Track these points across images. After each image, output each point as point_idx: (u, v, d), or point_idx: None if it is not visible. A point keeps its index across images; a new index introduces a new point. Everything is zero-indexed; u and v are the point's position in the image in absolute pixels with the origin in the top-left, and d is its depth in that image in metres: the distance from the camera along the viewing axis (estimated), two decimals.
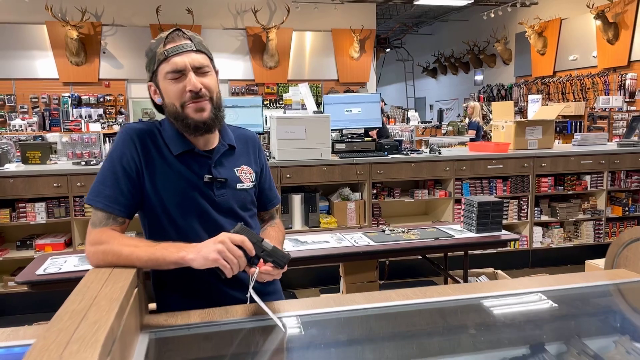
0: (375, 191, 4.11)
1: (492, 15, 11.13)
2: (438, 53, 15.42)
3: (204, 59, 1.32)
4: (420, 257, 2.74)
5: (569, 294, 1.41)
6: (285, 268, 1.24)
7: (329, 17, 10.59)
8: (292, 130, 3.73)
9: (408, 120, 9.21)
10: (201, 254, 1.14)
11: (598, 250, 4.53)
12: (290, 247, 2.44)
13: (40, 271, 2.12)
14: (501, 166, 4.23)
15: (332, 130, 4.07)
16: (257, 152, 1.52)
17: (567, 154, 4.37)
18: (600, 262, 2.96)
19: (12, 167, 3.75)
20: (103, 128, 7.02)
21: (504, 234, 2.63)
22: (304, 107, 4.27)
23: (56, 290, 3.56)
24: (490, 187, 4.27)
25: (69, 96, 9.16)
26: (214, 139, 1.41)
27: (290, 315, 1.22)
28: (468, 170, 4.19)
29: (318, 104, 4.35)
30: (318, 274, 3.97)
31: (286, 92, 4.45)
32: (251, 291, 1.19)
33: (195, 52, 1.30)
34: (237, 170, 1.42)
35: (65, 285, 2.10)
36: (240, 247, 1.16)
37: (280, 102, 9.17)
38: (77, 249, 3.70)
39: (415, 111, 10.52)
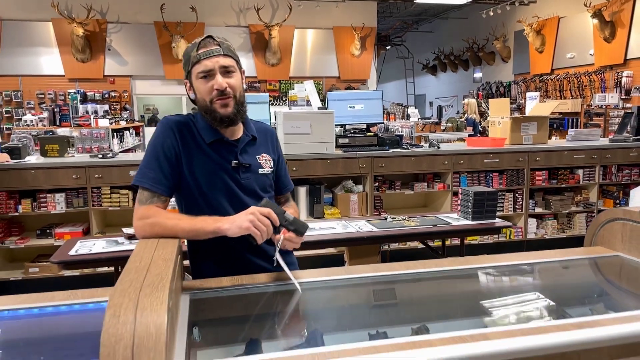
0: (377, 184, 4.31)
1: (491, 14, 11.29)
2: (438, 50, 15.58)
3: (230, 61, 1.54)
4: (420, 244, 2.94)
5: (550, 266, 1.61)
6: (304, 238, 1.44)
7: (330, 15, 10.76)
8: (297, 126, 3.92)
9: (408, 116, 9.40)
10: (235, 223, 1.35)
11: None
12: None
13: (72, 252, 2.31)
14: (497, 160, 4.42)
15: (335, 125, 4.27)
16: (275, 143, 1.75)
17: (561, 148, 4.57)
18: None
19: (33, 159, 3.95)
20: (111, 123, 7.20)
21: (498, 222, 2.83)
22: (308, 103, 4.47)
23: (84, 272, 3.75)
24: (487, 180, 4.47)
25: (75, 92, 9.33)
26: (239, 130, 1.63)
27: (307, 281, 1.42)
28: (466, 164, 4.39)
29: (322, 101, 4.54)
30: (325, 261, 4.18)
31: (291, 89, 4.63)
32: (277, 255, 1.39)
33: (223, 56, 1.52)
34: (258, 157, 1.65)
35: (96, 264, 2.30)
36: (267, 217, 1.36)
37: (284, 99, 9.35)
38: (95, 236, 3.89)
39: (415, 108, 10.69)
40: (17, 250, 3.92)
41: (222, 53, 1.51)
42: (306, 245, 2.49)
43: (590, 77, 9.43)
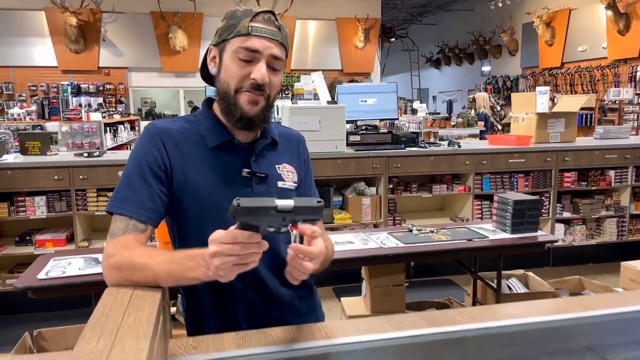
0: (391, 186, 3.92)
1: (500, 5, 10.89)
2: (442, 43, 15.17)
3: (283, 54, 1.17)
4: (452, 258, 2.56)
5: None
6: (320, 252, 1.01)
7: (333, 6, 10.36)
8: (305, 122, 3.53)
9: (414, 111, 9.00)
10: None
11: (621, 249, 4.37)
12: None
13: (42, 275, 1.93)
14: (523, 160, 4.04)
15: (345, 122, 3.87)
16: (302, 152, 1.36)
17: (591, 147, 4.19)
18: (637, 264, 2.79)
19: (11, 158, 3.55)
20: (104, 117, 6.79)
21: (541, 235, 2.45)
22: (316, 97, 4.08)
23: (60, 295, 3.38)
24: (511, 182, 4.09)
25: (68, 84, 8.93)
26: (256, 133, 1.25)
27: (341, 343, 1.04)
28: (489, 165, 4.00)
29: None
30: (336, 278, 3.79)
31: (297, 82, 4.24)
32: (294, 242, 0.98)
33: (278, 44, 1.15)
34: (278, 167, 1.26)
35: (69, 290, 1.92)
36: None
37: (286, 92, 8.96)
38: (80, 245, 3.51)
39: (421, 102, 10.31)
40: None
41: (280, 40, 1.16)
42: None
43: (603, 71, 9.05)
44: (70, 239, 3.59)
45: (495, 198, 2.57)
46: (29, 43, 8.94)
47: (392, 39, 12.66)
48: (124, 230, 1.06)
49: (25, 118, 7.23)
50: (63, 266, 2.04)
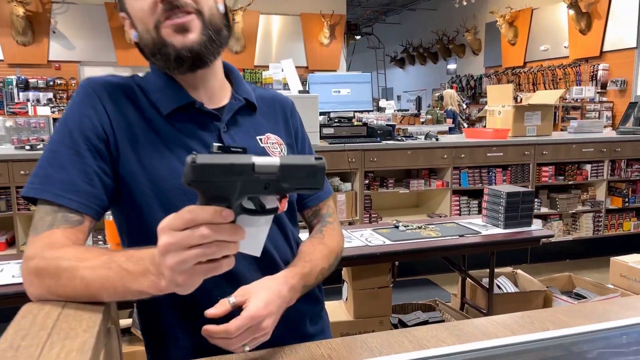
0: (367, 181, 3.70)
1: (465, 3, 10.92)
2: (406, 43, 15.16)
3: None
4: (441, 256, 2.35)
5: None
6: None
7: (297, 1, 10.11)
8: None
9: (380, 109, 8.86)
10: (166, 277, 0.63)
11: (598, 244, 4.31)
12: None
13: None
14: (501, 154, 3.89)
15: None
16: (290, 119, 1.06)
17: (569, 141, 4.09)
18: (628, 259, 2.67)
19: None
20: (53, 112, 6.31)
21: (536, 230, 2.27)
22: (286, 86, 3.81)
23: None
24: (489, 176, 3.94)
25: (15, 78, 8.32)
26: (224, 93, 0.96)
27: None
28: (467, 159, 3.83)
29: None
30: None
31: (265, 71, 3.97)
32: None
33: None
34: (260, 139, 0.97)
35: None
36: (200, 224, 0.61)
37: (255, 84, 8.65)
38: (22, 249, 3.12)
39: (387, 100, 10.23)
40: None
41: None
42: None
43: (565, 70, 9.18)
44: (11, 243, 3.20)
45: (486, 190, 2.38)
46: None
47: (358, 37, 12.55)
48: (50, 224, 0.77)
49: None
50: None
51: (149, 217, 0.85)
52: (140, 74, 0.95)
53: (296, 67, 10.55)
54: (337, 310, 2.38)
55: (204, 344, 0.81)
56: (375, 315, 2.23)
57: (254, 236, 0.67)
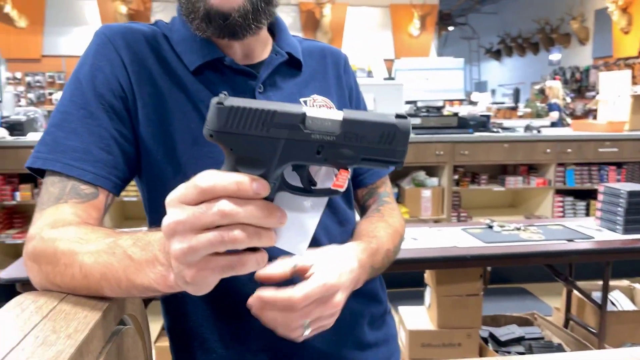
0: (456, 176, 3.40)
1: None
2: (503, 33, 14.30)
3: None
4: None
5: None
6: None
7: None
8: None
9: (473, 103, 8.37)
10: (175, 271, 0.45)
11: None
12: None
13: None
14: (616, 149, 3.41)
15: (405, 102, 3.39)
16: (343, 75, 0.87)
17: None
18: None
19: None
20: None
21: None
22: (370, 74, 3.62)
23: None
24: (600, 174, 3.47)
25: None
26: (263, 47, 0.79)
27: None
28: (574, 154, 3.40)
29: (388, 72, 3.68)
30: (392, 282, 3.29)
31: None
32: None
33: None
34: (305, 101, 0.79)
35: None
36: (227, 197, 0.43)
37: None
38: None
39: (480, 93, 9.69)
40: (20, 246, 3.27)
41: None
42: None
43: None
44: None
45: (601, 188, 2.02)
46: None
47: (450, 27, 12.03)
48: (58, 197, 0.63)
49: None
50: None
51: (164, 184, 0.70)
52: (166, 20, 0.80)
53: (384, 59, 10.37)
54: (419, 316, 2.15)
55: (239, 350, 0.64)
56: (462, 326, 1.97)
57: (298, 226, 0.48)
